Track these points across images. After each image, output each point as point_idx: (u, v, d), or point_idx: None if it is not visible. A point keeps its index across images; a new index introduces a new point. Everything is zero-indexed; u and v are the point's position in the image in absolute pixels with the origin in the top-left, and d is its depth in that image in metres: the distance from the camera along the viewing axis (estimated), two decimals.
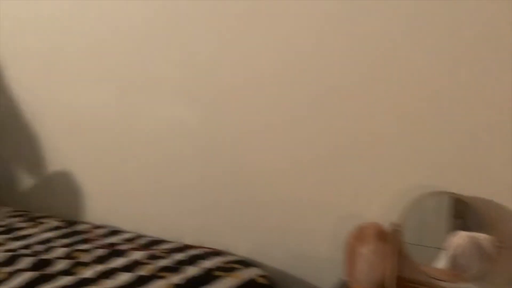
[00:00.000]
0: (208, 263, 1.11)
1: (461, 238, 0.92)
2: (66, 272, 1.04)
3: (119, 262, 1.11)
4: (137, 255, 1.15)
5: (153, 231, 1.38)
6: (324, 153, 1.10)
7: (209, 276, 1.05)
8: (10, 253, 1.13)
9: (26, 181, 1.72)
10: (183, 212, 1.37)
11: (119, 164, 1.46)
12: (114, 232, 1.36)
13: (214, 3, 1.18)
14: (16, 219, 1.47)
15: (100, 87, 1.45)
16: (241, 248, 1.25)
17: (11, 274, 1.02)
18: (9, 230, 1.34)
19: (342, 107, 1.06)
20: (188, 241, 1.30)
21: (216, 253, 1.19)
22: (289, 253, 1.18)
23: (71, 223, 1.42)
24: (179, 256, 1.15)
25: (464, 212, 0.93)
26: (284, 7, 1.09)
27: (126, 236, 1.33)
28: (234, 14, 1.16)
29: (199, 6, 1.20)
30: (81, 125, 1.53)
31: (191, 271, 1.07)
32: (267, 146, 1.18)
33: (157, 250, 1.20)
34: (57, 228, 1.37)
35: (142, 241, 1.28)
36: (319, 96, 1.09)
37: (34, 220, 1.46)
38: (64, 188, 1.61)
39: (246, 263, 1.14)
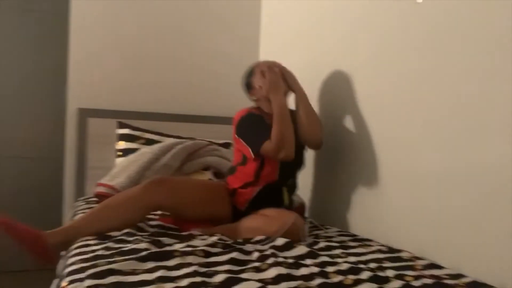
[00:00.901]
0: None
1: None
2: None
3: None
4: None
5: (470, 272, 1.39)
6: None
7: None
8: (351, 265, 1.35)
9: (346, 205, 2.01)
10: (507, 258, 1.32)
11: (439, 201, 1.54)
12: (434, 265, 1.44)
13: None
14: (344, 238, 1.75)
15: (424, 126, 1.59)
16: None
17: (355, 282, 1.22)
18: (343, 246, 1.61)
19: None
20: None
21: None
22: None
23: (392, 249, 1.58)
24: None
25: None
26: None
27: (447, 271, 1.38)
28: None
29: None
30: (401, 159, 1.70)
31: None
32: None
33: None
34: (380, 251, 1.55)
35: (466, 279, 1.31)
36: None
37: (359, 241, 1.69)
38: (384, 217, 1.80)
39: None
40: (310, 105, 1.93)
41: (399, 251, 1.55)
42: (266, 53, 2.83)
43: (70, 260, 1.32)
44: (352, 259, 1.45)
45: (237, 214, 1.79)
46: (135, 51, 2.65)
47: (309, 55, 2.35)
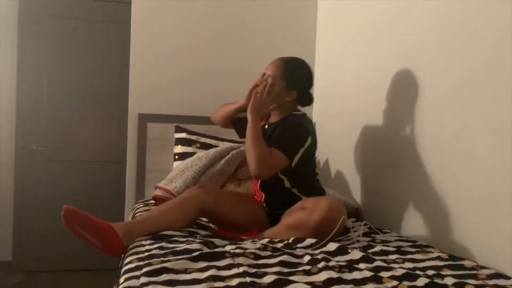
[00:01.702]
0: None
1: None
2: None
3: None
4: None
5: None
6: None
7: None
8: (406, 271, 1.29)
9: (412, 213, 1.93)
10: None
11: (506, 208, 1.44)
12: (500, 275, 1.34)
13: None
14: (403, 243, 1.67)
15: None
16: None
17: None
18: (400, 251, 1.54)
19: None
20: None
21: None
22: None
23: (453, 257, 1.49)
24: None
25: None
26: None
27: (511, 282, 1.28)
28: None
29: None
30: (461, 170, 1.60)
31: None
32: None
33: None
34: (441, 258, 1.47)
35: None
36: None
37: (418, 247, 1.61)
38: (447, 224, 1.70)
39: None
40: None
41: (461, 259, 1.46)
42: (323, 58, 2.80)
43: (127, 259, 1.38)
44: (409, 265, 1.39)
45: (269, 216, 1.87)
46: (190, 60, 2.73)
47: (367, 58, 2.29)
